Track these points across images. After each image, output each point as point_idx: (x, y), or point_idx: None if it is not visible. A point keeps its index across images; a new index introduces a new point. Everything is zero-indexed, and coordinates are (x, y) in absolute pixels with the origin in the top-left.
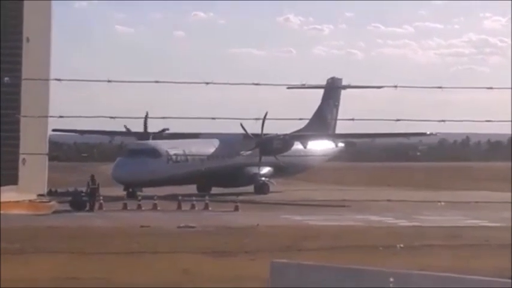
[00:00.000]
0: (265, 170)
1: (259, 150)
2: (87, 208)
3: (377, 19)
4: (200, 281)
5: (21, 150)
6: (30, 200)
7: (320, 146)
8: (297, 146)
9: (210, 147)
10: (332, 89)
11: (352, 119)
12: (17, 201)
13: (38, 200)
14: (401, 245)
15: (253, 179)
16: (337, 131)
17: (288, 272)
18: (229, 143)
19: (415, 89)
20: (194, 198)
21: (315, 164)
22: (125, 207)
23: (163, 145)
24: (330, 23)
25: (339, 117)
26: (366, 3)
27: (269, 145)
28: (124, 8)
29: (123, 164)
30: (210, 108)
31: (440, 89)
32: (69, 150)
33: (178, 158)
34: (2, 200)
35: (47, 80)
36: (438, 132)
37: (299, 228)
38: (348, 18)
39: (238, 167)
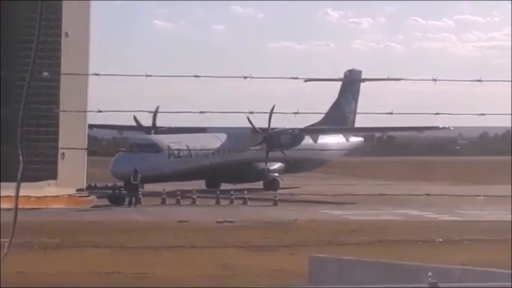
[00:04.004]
0: (276, 165)
1: (266, 145)
2: (126, 203)
3: (416, 12)
4: (239, 275)
5: (60, 145)
6: (69, 195)
7: (335, 140)
8: (309, 140)
9: (215, 142)
10: (350, 82)
11: (391, 113)
12: (56, 196)
13: (77, 195)
14: (440, 239)
15: (262, 174)
16: (360, 125)
17: (327, 267)
18: (236, 137)
19: (454, 83)
20: (232, 192)
21: (330, 159)
22: (163, 202)
23: (165, 140)
24: (369, 17)
25: (374, 110)
26: None
27: (276, 140)
28: (162, 3)
29: (122, 159)
30: (250, 102)
31: (479, 83)
32: (107, 145)
33: (181, 153)
34: (41, 195)
35: (86, 74)
36: (455, 127)
37: (338, 223)
38: (386, 12)
39: (246, 163)
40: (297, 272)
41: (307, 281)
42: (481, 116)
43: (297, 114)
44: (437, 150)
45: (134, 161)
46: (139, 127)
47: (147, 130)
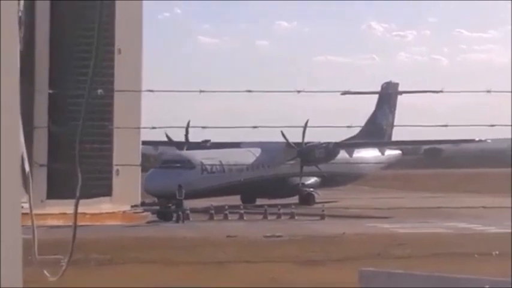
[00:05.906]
0: (311, 180)
1: (300, 159)
2: (174, 219)
3: (461, 24)
4: None
5: (114, 162)
6: (124, 211)
7: (371, 154)
8: (344, 154)
9: (249, 157)
10: (387, 95)
11: (446, 125)
12: (112, 212)
13: (131, 211)
14: (497, 252)
15: (297, 189)
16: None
17: (377, 281)
18: (270, 152)
19: (501, 94)
20: (280, 207)
21: (366, 173)
22: (211, 217)
23: (198, 155)
24: (413, 29)
25: (425, 123)
26: (449, 9)
27: (311, 154)
28: (206, 20)
29: (154, 176)
30: (291, 116)
31: None
32: (155, 161)
33: (214, 169)
34: (96, 211)
35: (139, 91)
36: (493, 139)
37: (386, 236)
38: (431, 24)
39: (280, 178)
40: (347, 286)
41: None
42: None
43: (330, 129)
44: (488, 162)
45: (167, 177)
46: (172, 143)
47: (180, 146)
